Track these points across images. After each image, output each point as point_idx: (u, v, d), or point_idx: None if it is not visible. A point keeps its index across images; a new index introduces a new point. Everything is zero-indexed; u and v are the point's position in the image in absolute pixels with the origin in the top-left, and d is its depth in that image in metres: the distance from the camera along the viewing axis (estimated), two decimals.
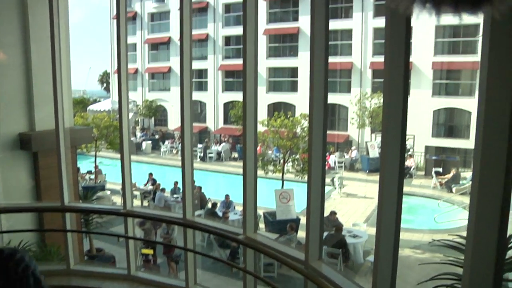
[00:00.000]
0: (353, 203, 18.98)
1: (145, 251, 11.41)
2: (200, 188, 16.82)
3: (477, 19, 0.77)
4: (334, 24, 29.00)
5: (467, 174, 20.76)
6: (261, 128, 19.54)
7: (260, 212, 14.82)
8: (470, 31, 26.39)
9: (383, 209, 2.74)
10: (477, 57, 24.86)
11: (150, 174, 19.41)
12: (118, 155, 5.24)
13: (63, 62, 5.47)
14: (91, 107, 32.07)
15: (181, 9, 4.37)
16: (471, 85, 26.74)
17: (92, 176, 20.55)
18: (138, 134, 34.05)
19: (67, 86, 6.71)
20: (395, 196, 2.71)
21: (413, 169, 23.54)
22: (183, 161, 4.71)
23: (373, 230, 11.17)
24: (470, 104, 25.73)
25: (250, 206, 4.33)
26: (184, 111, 4.45)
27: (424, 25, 25.15)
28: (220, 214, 14.92)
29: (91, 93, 30.79)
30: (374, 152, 24.46)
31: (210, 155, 28.13)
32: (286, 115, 19.59)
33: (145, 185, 18.86)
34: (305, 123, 18.27)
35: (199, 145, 28.71)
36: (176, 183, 17.49)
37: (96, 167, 20.70)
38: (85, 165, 21.21)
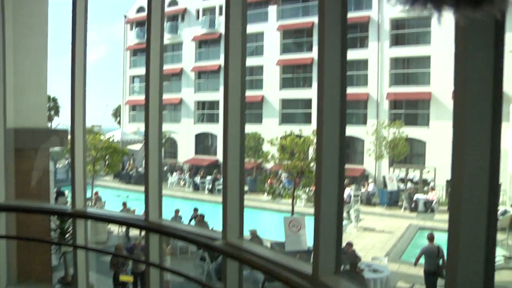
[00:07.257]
0: (371, 237, 17.23)
1: (124, 278, 9.75)
2: (202, 216, 16.08)
3: None
4: (349, 54, 26.06)
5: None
6: (269, 148, 20.59)
7: (268, 244, 14.28)
8: None
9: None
10: None
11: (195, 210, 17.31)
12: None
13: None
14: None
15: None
16: None
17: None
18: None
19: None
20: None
21: (435, 203, 21.45)
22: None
23: (394, 266, 12.32)
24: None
25: (234, 203, 2.86)
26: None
27: None
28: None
29: (107, 129, 31.43)
30: (393, 185, 23.01)
31: (219, 187, 26.00)
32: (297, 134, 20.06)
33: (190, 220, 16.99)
34: None
35: (208, 177, 28.32)
36: (177, 211, 16.70)
37: (96, 193, 19.20)
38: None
